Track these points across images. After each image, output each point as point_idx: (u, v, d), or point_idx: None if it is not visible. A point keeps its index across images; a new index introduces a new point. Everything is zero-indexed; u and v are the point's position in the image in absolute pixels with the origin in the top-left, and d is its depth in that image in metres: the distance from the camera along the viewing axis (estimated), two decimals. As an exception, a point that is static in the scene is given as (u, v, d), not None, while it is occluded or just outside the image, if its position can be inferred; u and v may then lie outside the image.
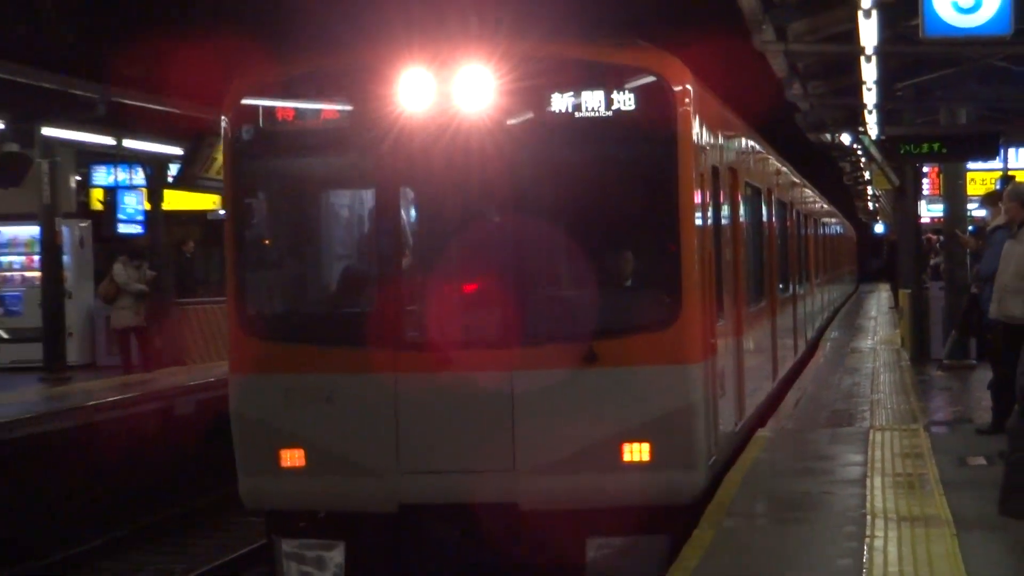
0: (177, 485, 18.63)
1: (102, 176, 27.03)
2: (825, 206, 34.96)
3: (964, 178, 24.00)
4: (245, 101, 9.90)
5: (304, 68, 10.15)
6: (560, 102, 9.40)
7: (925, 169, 26.73)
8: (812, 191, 29.33)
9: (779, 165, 20.91)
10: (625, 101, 9.31)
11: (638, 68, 9.52)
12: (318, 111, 9.85)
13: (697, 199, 9.78)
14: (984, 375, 15.90)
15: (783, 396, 18.62)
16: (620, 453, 9.19)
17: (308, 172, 10.63)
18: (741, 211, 13.68)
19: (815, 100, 25.43)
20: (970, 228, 22.12)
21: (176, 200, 27.81)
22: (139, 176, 25.53)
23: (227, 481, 11.40)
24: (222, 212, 20.68)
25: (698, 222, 9.83)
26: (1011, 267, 12.13)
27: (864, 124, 25.46)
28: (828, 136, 32.31)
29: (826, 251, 31.85)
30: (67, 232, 24.15)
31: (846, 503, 10.79)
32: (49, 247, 22.95)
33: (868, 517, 10.04)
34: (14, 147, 20.88)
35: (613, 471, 9.22)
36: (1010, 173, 24.59)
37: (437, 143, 9.47)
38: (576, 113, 9.42)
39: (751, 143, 16.30)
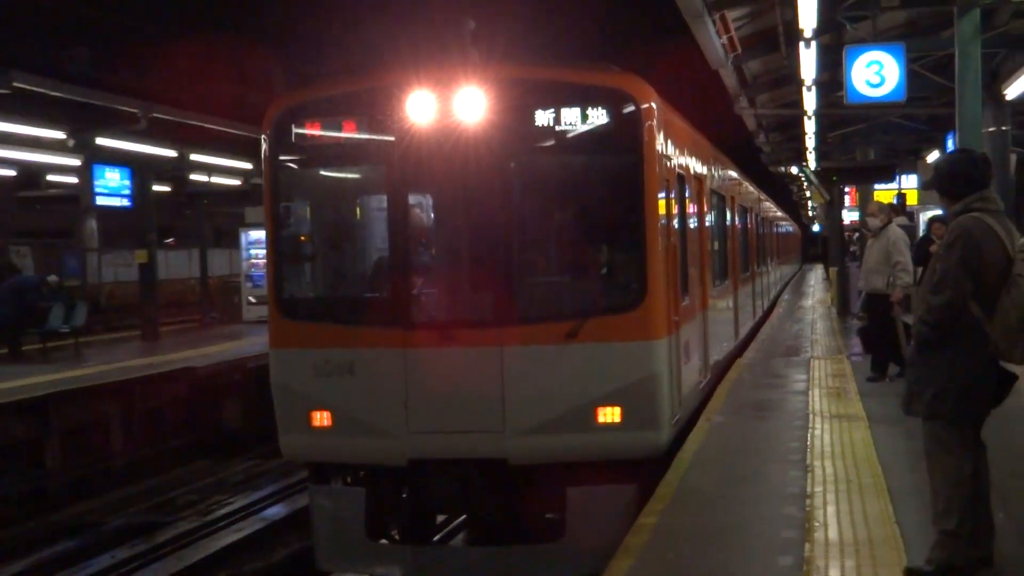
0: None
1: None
2: (778, 212, 41.88)
3: (871, 195, 30.09)
4: (280, 121, 10.52)
5: (328, 92, 10.79)
6: (544, 117, 9.91)
7: (846, 189, 36.31)
8: (769, 201, 35.15)
9: (741, 179, 22.76)
10: (599, 116, 9.82)
11: (610, 88, 10.05)
12: (341, 128, 10.47)
13: (660, 200, 10.16)
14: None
15: (750, 342, 21.61)
16: (595, 416, 9.65)
17: (333, 179, 11.45)
18: (704, 211, 14.36)
19: (774, 145, 39.79)
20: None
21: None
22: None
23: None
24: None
25: (661, 220, 10.21)
26: (873, 257, 14.96)
27: (806, 160, 37.18)
28: (783, 168, 46.82)
29: (779, 242, 38.24)
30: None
31: (795, 405, 13.75)
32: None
33: (810, 415, 12.79)
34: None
35: (589, 431, 9.67)
36: (902, 191, 33.39)
37: (440, 153, 9.96)
38: (558, 126, 9.92)
39: (716, 160, 17.03)
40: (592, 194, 10.71)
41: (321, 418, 10.18)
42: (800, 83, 22.25)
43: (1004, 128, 20.92)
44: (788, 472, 9.98)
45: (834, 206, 36.85)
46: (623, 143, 9.97)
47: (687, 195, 12.47)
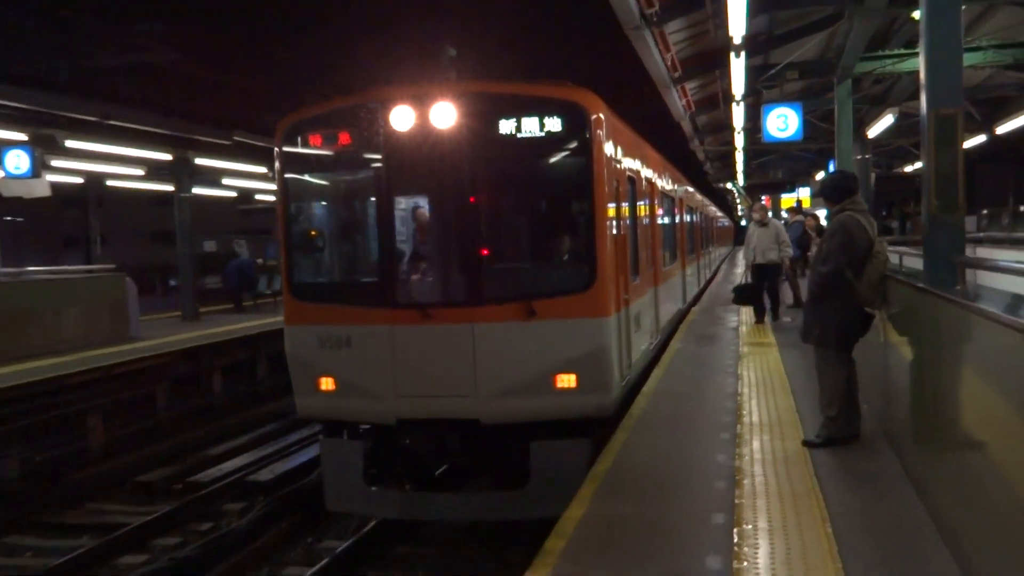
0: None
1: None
2: (718, 212, 39.40)
3: (780, 200, 33.24)
4: (288, 135, 8.81)
5: (325, 109, 8.80)
6: (508, 126, 8.10)
7: (763, 196, 36.24)
8: (712, 204, 33.20)
9: (688, 187, 20.07)
10: (554, 124, 8.05)
11: (563, 100, 8.16)
12: (337, 138, 8.69)
13: (609, 197, 8.35)
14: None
15: (702, 296, 21.18)
16: (554, 382, 7.89)
17: (333, 182, 9.33)
18: (655, 208, 12.32)
19: (716, 168, 39.19)
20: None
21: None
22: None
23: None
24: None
25: (611, 214, 8.42)
26: (766, 240, 14.58)
27: (736, 178, 38.08)
28: (722, 183, 46.15)
29: (717, 232, 36.15)
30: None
31: (729, 337, 13.59)
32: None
33: (740, 344, 12.65)
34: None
35: (549, 395, 7.90)
36: (799, 198, 32.96)
37: (419, 158, 8.21)
38: (519, 133, 8.09)
39: (667, 171, 14.76)
40: (550, 192, 8.79)
41: (327, 383, 8.50)
42: (732, 128, 22.65)
43: (867, 156, 21.90)
44: (726, 379, 9.92)
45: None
46: (575, 147, 8.16)
47: (637, 194, 10.51)
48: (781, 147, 25.91)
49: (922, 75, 6.03)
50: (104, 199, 26.02)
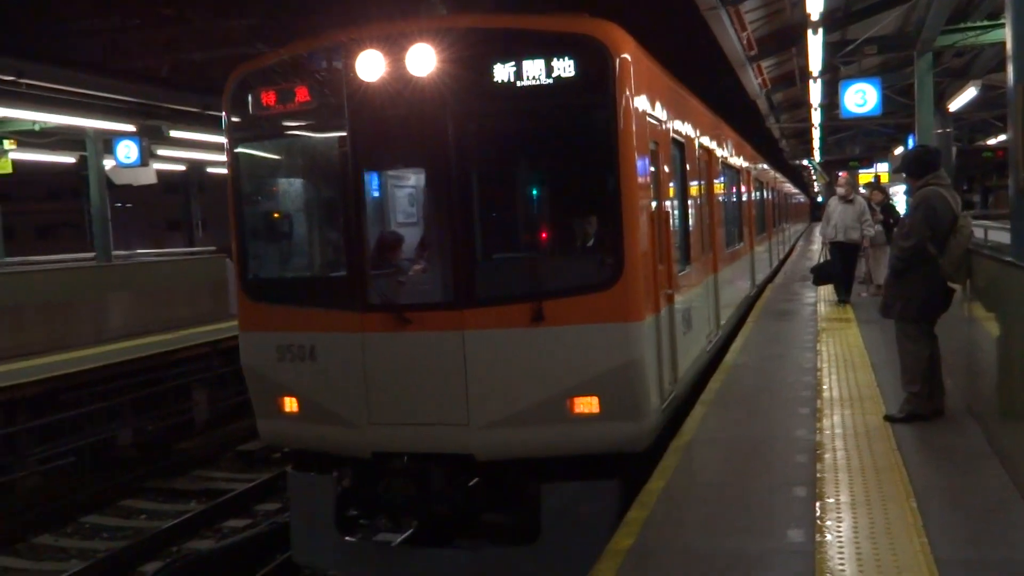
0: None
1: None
2: (792, 188, 37.65)
3: (857, 176, 29.11)
4: (237, 92, 6.73)
5: (280, 56, 6.68)
6: (504, 71, 5.91)
7: (840, 172, 32.58)
8: (786, 181, 32.49)
9: (759, 160, 17.85)
10: (566, 67, 5.83)
11: (577, 36, 5.91)
12: (294, 94, 6.53)
13: (640, 163, 6.09)
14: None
15: (777, 274, 20.34)
16: (570, 407, 5.87)
17: (292, 150, 7.05)
18: (710, 179, 9.87)
19: (793, 146, 38.72)
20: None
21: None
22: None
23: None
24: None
25: (644, 185, 6.16)
26: (848, 217, 13.28)
27: (813, 154, 37.21)
28: (797, 160, 45.53)
29: (793, 208, 35.01)
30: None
31: (807, 313, 13.17)
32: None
33: (818, 320, 12.28)
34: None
35: (563, 423, 5.88)
36: (877, 174, 31.62)
37: (392, 117, 6.16)
38: (520, 81, 5.89)
39: (731, 140, 12.33)
40: (562, 157, 6.47)
41: (290, 404, 6.59)
42: (809, 105, 22.15)
43: (948, 130, 21.00)
44: (804, 354, 9.66)
45: (831, 184, 36.20)
46: (594, 97, 5.93)
47: (689, 163, 8.35)
48: (859, 122, 25.16)
49: (1008, 47, 5.76)
50: (204, 185, 26.83)
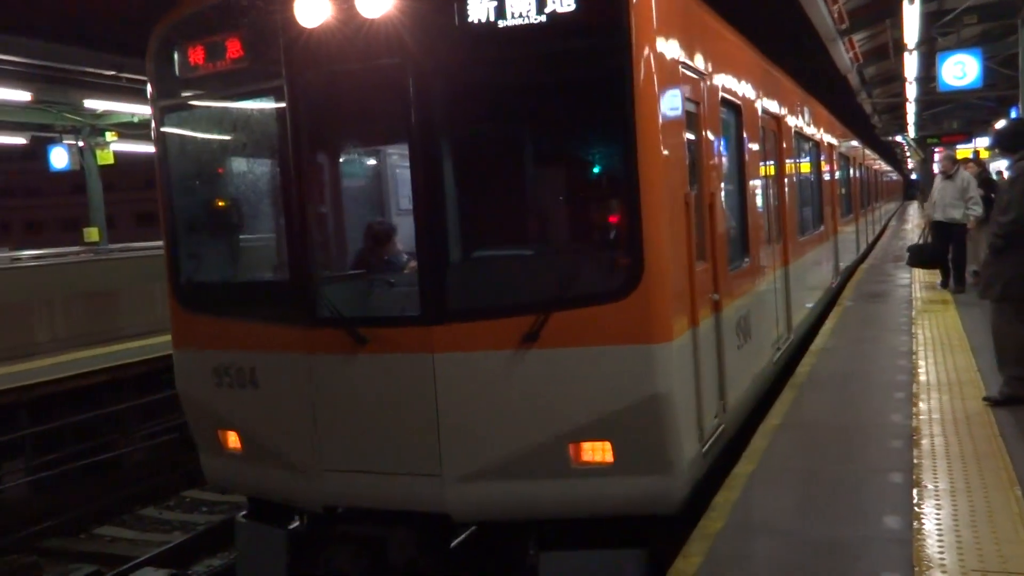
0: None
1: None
2: (884, 166, 36.04)
3: (955, 152, 27.21)
4: (160, 47, 5.33)
5: (208, 1, 5.19)
6: (481, 8, 4.39)
7: (936, 149, 33.84)
8: (877, 158, 30.80)
9: (845, 131, 15.77)
10: (564, 1, 4.27)
11: None
12: (225, 48, 5.06)
13: (669, 131, 4.50)
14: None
15: (868, 255, 19.38)
16: (574, 455, 4.45)
17: (226, 121, 5.51)
18: (780, 154, 8.26)
19: (885, 122, 37.52)
20: None
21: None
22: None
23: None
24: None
25: (672, 160, 4.55)
26: (949, 194, 11.98)
27: (907, 130, 35.58)
28: (890, 137, 42.74)
29: (885, 186, 33.64)
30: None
31: (901, 295, 12.68)
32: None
33: (913, 301, 11.79)
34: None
35: (565, 475, 4.47)
36: (976, 149, 29.52)
37: (340, 75, 4.72)
38: (502, 21, 4.36)
39: (797, 96, 10.06)
40: (562, 124, 4.95)
41: (231, 439, 5.29)
42: (904, 79, 21.35)
43: None
44: (899, 337, 9.33)
45: (927, 161, 35.07)
46: (601, 39, 4.33)
47: (747, 132, 6.66)
48: (957, 96, 23.97)
49: None
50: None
